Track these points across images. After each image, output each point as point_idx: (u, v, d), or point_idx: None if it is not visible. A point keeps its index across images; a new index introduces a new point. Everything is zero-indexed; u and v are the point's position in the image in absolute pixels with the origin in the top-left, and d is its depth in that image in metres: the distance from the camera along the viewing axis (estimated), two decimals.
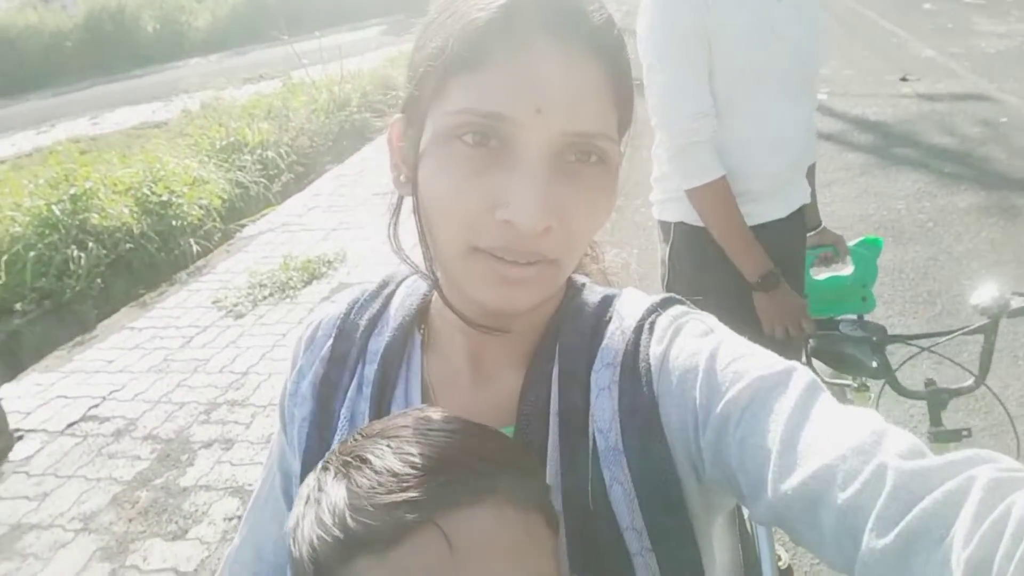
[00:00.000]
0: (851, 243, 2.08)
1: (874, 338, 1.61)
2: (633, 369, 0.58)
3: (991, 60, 7.56)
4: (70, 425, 3.32)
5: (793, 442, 0.47)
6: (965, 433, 1.57)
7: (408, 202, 0.62)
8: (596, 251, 0.76)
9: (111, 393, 3.54)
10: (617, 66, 0.55)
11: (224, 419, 3.21)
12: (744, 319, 1.66)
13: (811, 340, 1.76)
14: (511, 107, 0.51)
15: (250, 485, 2.75)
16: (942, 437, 1.59)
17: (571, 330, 0.63)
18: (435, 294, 0.67)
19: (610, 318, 0.63)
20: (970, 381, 1.59)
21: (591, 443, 0.57)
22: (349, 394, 0.66)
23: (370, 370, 0.66)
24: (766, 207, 1.71)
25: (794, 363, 0.54)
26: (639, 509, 0.55)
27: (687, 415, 0.55)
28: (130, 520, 2.67)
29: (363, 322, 0.69)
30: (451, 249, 0.55)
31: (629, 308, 0.63)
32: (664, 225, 1.80)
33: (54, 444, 3.19)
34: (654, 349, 0.58)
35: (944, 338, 1.58)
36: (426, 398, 0.65)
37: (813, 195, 1.94)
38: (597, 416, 0.58)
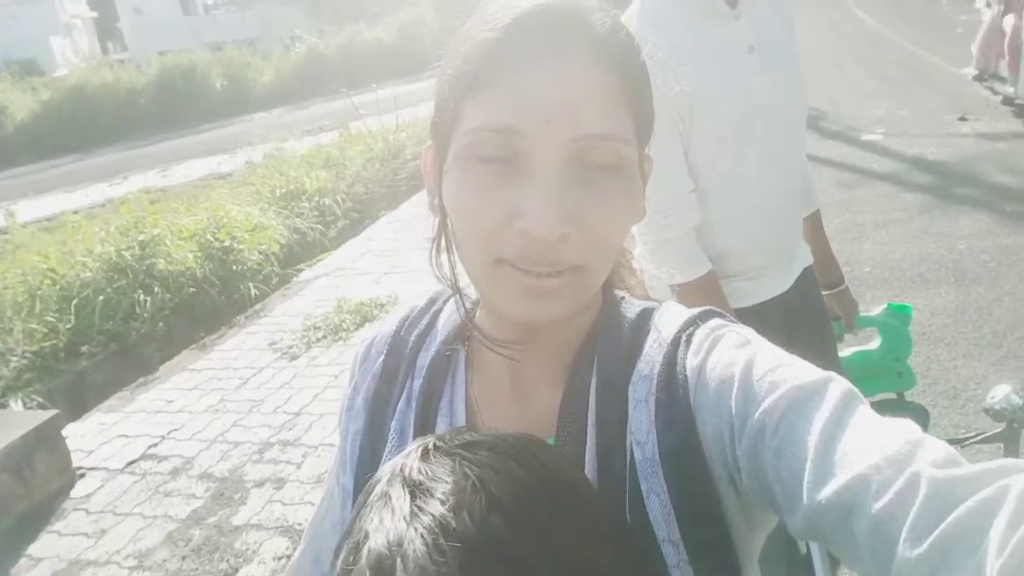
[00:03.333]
0: (876, 312, 1.93)
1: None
2: (670, 381, 0.58)
3: None
4: (129, 463, 3.42)
5: (828, 451, 0.47)
6: None
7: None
8: (628, 266, 0.77)
9: (170, 432, 3.64)
10: (627, 70, 0.57)
11: (276, 459, 3.27)
12: None
13: None
14: (521, 120, 0.53)
15: (300, 525, 2.78)
16: None
17: (609, 343, 0.63)
18: (478, 311, 0.69)
19: (648, 331, 0.63)
20: None
21: (628, 454, 0.57)
22: (399, 408, 0.68)
23: (418, 384, 0.68)
24: (766, 282, 1.59)
25: (831, 373, 0.53)
26: (676, 521, 0.55)
27: (723, 425, 0.54)
28: (183, 558, 2.72)
29: (412, 338, 0.72)
30: (478, 264, 0.58)
31: (667, 321, 0.64)
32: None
33: (113, 482, 3.29)
34: (691, 361, 0.58)
35: (957, 447, 1.46)
36: (470, 412, 0.67)
37: (827, 248, 1.81)
38: (634, 427, 0.58)
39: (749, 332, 0.61)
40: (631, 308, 0.67)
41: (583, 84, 0.54)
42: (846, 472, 0.45)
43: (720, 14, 1.43)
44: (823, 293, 1.81)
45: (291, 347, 4.41)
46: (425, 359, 0.69)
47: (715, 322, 0.62)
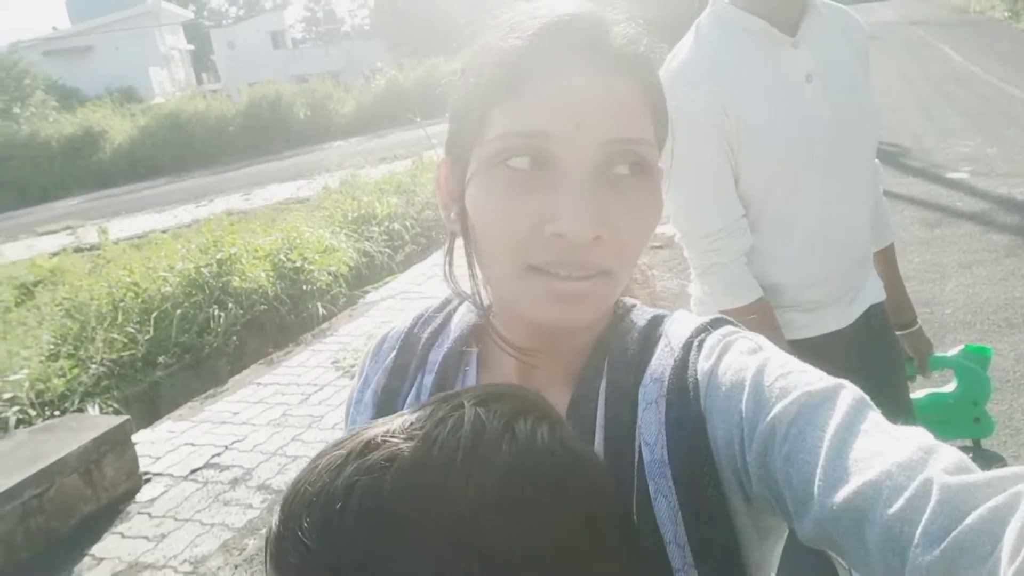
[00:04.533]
0: (952, 352, 1.84)
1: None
2: (681, 384, 0.58)
3: None
4: (193, 471, 3.53)
5: (839, 457, 0.46)
6: None
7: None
8: (646, 276, 0.78)
9: (233, 443, 3.74)
10: (648, 80, 0.59)
11: None
12: None
13: None
14: (551, 124, 0.54)
15: None
16: None
17: (619, 347, 0.64)
18: (492, 315, 0.70)
19: (659, 336, 0.64)
20: None
21: (637, 455, 0.57)
22: (408, 402, 0.69)
23: (429, 379, 0.69)
24: (823, 316, 1.51)
25: (842, 380, 0.53)
26: (682, 523, 0.54)
27: (733, 430, 0.54)
28: (235, 567, 2.77)
29: (425, 335, 0.73)
30: (506, 271, 0.58)
31: (678, 327, 0.64)
32: None
33: (177, 488, 3.39)
34: (702, 365, 0.58)
35: None
36: None
37: (899, 286, 1.72)
38: (643, 429, 0.58)
39: (760, 339, 0.61)
40: (642, 315, 0.67)
41: (611, 90, 0.56)
42: (857, 478, 0.44)
43: (776, 41, 1.40)
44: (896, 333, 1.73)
45: (353, 366, 4.49)
46: (437, 355, 0.70)
47: (726, 328, 0.63)
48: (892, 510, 0.42)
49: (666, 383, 0.59)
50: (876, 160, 1.58)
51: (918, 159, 7.18)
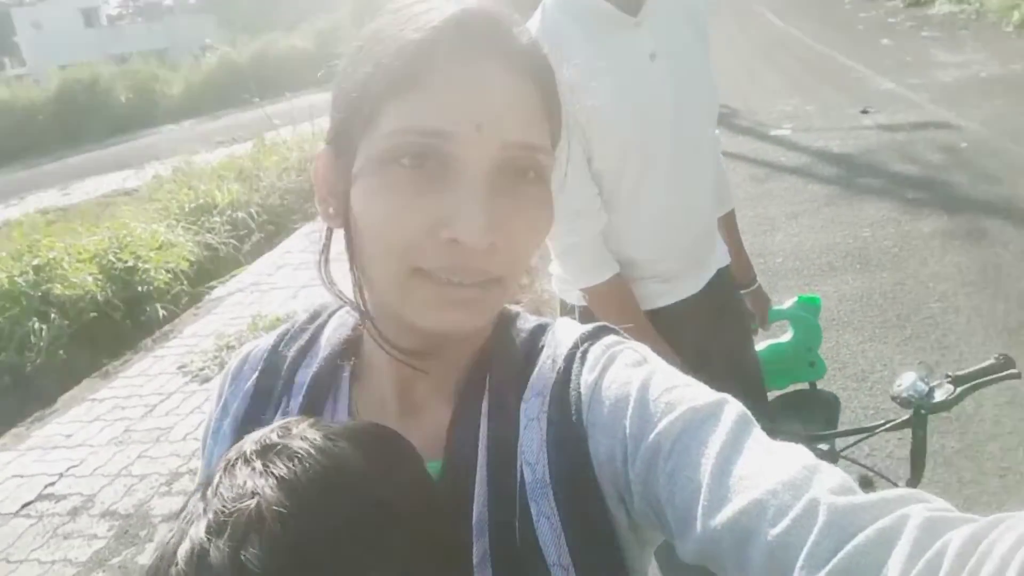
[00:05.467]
0: (786, 305, 1.98)
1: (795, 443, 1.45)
2: (562, 399, 0.57)
3: (949, 89, 7.70)
4: (24, 506, 3.18)
5: (724, 476, 0.46)
6: None
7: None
8: (531, 278, 0.75)
9: (68, 469, 3.41)
10: (546, 83, 0.57)
11: (187, 489, 3.09)
12: None
13: None
14: (452, 123, 0.51)
15: None
16: None
17: (503, 360, 0.61)
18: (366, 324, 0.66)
19: (542, 348, 0.62)
20: (901, 484, 1.43)
21: (519, 476, 0.55)
22: None
23: (295, 404, 0.64)
24: (677, 285, 1.57)
25: (726, 395, 0.53)
26: (566, 545, 0.53)
27: (616, 446, 0.53)
28: None
29: (291, 354, 0.67)
30: (391, 274, 0.54)
31: (561, 337, 0.62)
32: (565, 304, 1.64)
33: (7, 527, 3.05)
34: (585, 378, 0.57)
35: (864, 436, 1.45)
36: None
37: (740, 249, 1.82)
38: (525, 448, 0.56)
39: (645, 350, 0.61)
40: (525, 324, 0.65)
41: (512, 93, 0.54)
42: (741, 497, 0.44)
43: (619, 22, 1.40)
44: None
45: (202, 369, 4.21)
46: (305, 376, 0.65)
47: (610, 339, 0.61)
48: (776, 530, 0.41)
49: (547, 399, 0.57)
50: (716, 130, 1.64)
51: (746, 119, 7.64)
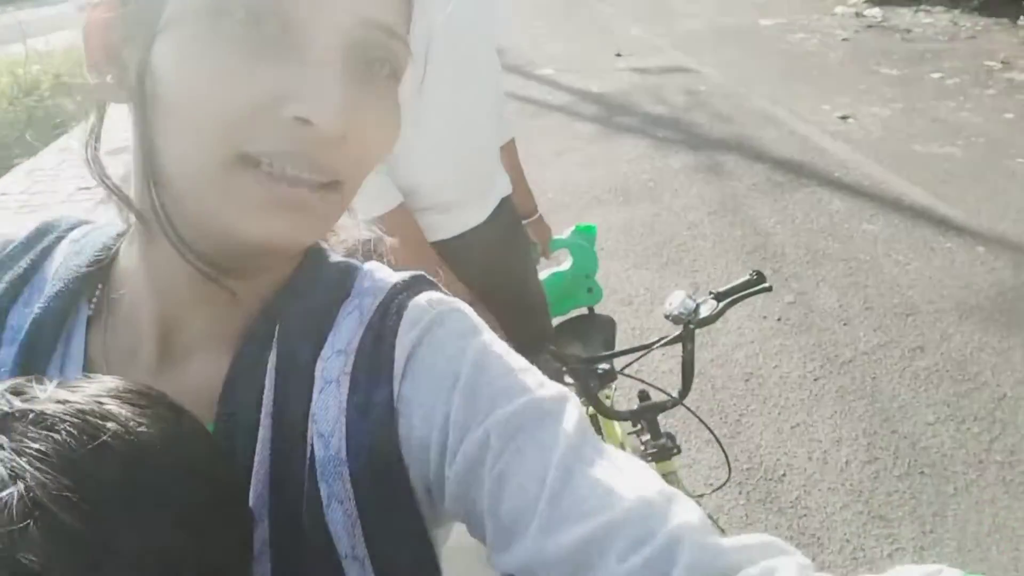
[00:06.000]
0: (564, 235, 2.03)
1: (563, 368, 1.47)
2: (371, 360, 0.48)
3: (688, 37, 8.45)
4: None
5: (565, 492, 0.40)
6: (674, 451, 1.54)
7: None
8: (350, 212, 0.63)
9: None
10: None
11: None
12: None
13: None
14: None
15: None
16: (655, 456, 1.53)
17: (297, 306, 0.50)
18: (123, 244, 0.53)
19: (348, 294, 0.52)
20: (674, 394, 1.52)
21: (309, 450, 0.46)
22: None
23: (6, 354, 0.49)
24: (460, 215, 1.54)
25: (565, 391, 0.47)
26: (361, 533, 0.45)
27: (434, 433, 0.45)
28: None
29: (1, 286, 0.52)
30: (205, 161, 0.42)
31: (373, 285, 0.53)
32: None
33: None
34: (403, 338, 0.48)
35: (643, 353, 1.50)
36: None
37: (521, 179, 1.82)
38: (319, 416, 0.46)
39: (472, 314, 0.53)
40: (330, 264, 0.55)
41: None
42: (587, 521, 0.39)
43: None
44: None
45: None
46: (23, 317, 0.50)
47: (433, 295, 0.53)
48: (628, 566, 0.37)
49: (352, 357, 0.48)
50: (496, 58, 1.59)
51: (516, 57, 7.78)
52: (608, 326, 2.03)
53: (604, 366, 1.60)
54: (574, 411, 0.45)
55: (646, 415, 1.53)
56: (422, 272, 0.55)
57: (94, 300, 0.52)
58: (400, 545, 0.45)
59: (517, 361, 0.49)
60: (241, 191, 0.42)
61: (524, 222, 1.84)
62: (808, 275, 3.37)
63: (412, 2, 0.49)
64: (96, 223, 0.58)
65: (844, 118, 5.46)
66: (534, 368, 0.49)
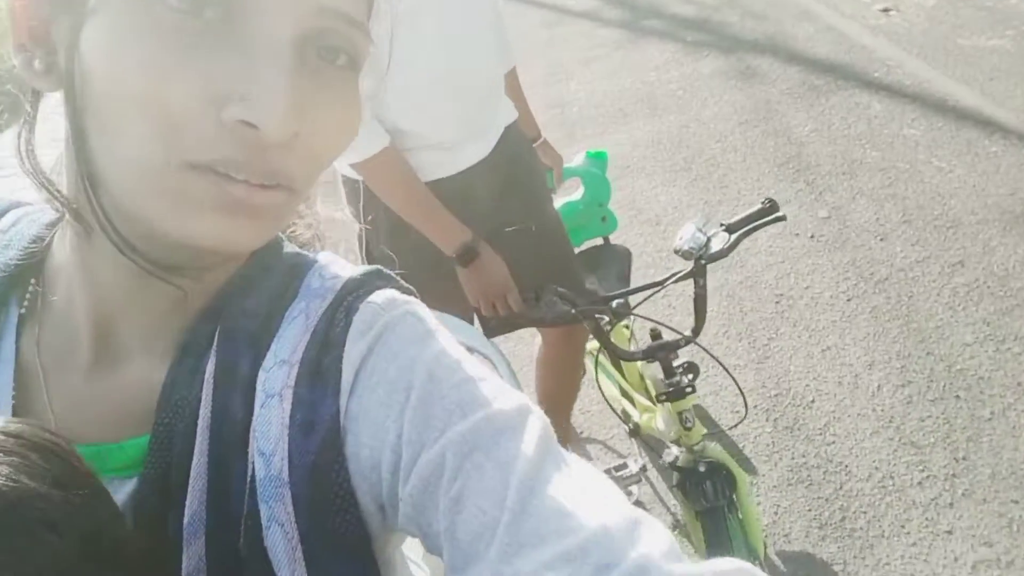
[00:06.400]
0: (574, 162, 1.95)
1: (573, 310, 1.41)
2: (316, 373, 0.44)
3: None
4: None
5: (527, 514, 0.38)
6: (689, 389, 1.48)
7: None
8: (310, 197, 0.59)
9: None
10: None
11: None
12: (447, 288, 1.46)
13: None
14: None
15: None
16: (670, 396, 1.49)
17: (239, 308, 0.47)
18: (56, 235, 0.49)
19: (297, 293, 0.48)
20: (687, 333, 1.49)
21: (250, 468, 0.43)
22: None
23: None
24: (461, 152, 1.46)
25: (526, 402, 0.44)
26: (302, 559, 0.42)
27: (385, 451, 0.43)
28: None
29: None
30: (145, 167, 0.38)
31: (322, 283, 0.49)
32: (349, 182, 1.50)
33: None
34: (351, 348, 0.45)
35: (655, 290, 1.46)
36: (21, 389, 0.46)
37: (524, 107, 1.73)
38: (260, 433, 0.43)
39: (428, 316, 0.49)
40: (280, 257, 0.51)
41: None
42: (551, 545, 0.36)
43: None
44: None
45: None
46: None
47: (387, 294, 0.49)
48: None
49: (296, 369, 0.44)
50: None
51: None
52: (624, 257, 1.97)
53: (620, 302, 1.56)
54: (535, 424, 0.43)
55: (658, 354, 1.49)
56: (378, 267, 0.52)
57: (27, 297, 0.49)
58: (344, 570, 0.43)
59: (474, 369, 0.45)
60: (186, 195, 0.39)
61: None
62: (843, 187, 3.23)
63: None
64: (29, 207, 0.54)
65: (885, 10, 5.10)
66: (492, 376, 0.46)
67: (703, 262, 1.42)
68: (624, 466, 1.98)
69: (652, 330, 1.55)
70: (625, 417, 1.94)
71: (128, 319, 0.47)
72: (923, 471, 1.97)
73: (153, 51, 0.36)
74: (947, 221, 2.93)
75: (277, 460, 0.42)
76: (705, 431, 1.54)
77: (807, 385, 2.29)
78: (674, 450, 1.54)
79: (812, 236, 2.96)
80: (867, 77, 4.17)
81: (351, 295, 0.48)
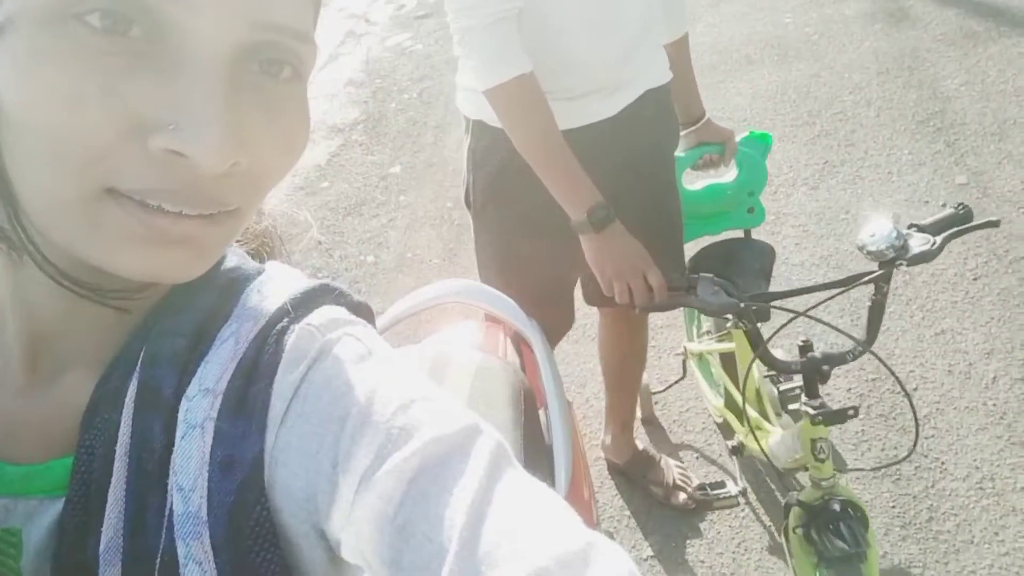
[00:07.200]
0: (737, 140, 1.71)
1: (741, 304, 1.25)
2: (240, 406, 0.41)
3: None
4: None
5: (476, 541, 0.36)
6: (851, 413, 1.30)
7: None
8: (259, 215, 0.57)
9: None
10: None
11: None
12: (559, 245, 1.34)
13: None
14: None
15: None
16: (826, 419, 1.29)
17: (170, 326, 0.44)
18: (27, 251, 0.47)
19: (231, 313, 0.45)
20: (855, 345, 1.30)
21: (169, 502, 0.41)
22: None
23: None
24: (584, 106, 1.34)
25: (474, 419, 0.42)
26: None
27: (320, 481, 0.41)
28: None
29: None
30: (66, 196, 0.36)
31: (258, 303, 0.45)
32: (467, 120, 1.43)
33: None
34: (282, 378, 0.42)
35: (839, 291, 1.27)
36: None
37: (689, 80, 1.58)
38: (179, 467, 0.41)
39: (370, 335, 0.46)
40: (222, 272, 0.47)
41: None
42: (502, 571, 0.35)
43: None
44: (686, 131, 1.62)
45: None
46: None
47: (327, 313, 0.46)
48: None
49: (220, 399, 0.41)
50: None
51: None
52: (767, 255, 1.67)
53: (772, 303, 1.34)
54: (484, 445, 0.41)
55: (822, 368, 1.29)
56: (324, 282, 0.48)
57: None
58: None
59: (417, 388, 0.43)
60: (111, 225, 0.36)
61: (690, 130, 1.63)
62: (989, 150, 2.90)
63: None
64: None
65: None
66: (439, 396, 0.43)
67: (901, 264, 1.24)
68: (722, 484, 1.84)
69: (803, 343, 1.37)
70: (727, 432, 1.80)
71: (64, 338, 0.45)
72: None
73: (69, 77, 0.34)
74: None
75: (196, 497, 0.40)
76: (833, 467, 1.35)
77: (911, 371, 2.12)
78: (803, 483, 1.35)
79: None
80: None
81: (285, 318, 0.44)
